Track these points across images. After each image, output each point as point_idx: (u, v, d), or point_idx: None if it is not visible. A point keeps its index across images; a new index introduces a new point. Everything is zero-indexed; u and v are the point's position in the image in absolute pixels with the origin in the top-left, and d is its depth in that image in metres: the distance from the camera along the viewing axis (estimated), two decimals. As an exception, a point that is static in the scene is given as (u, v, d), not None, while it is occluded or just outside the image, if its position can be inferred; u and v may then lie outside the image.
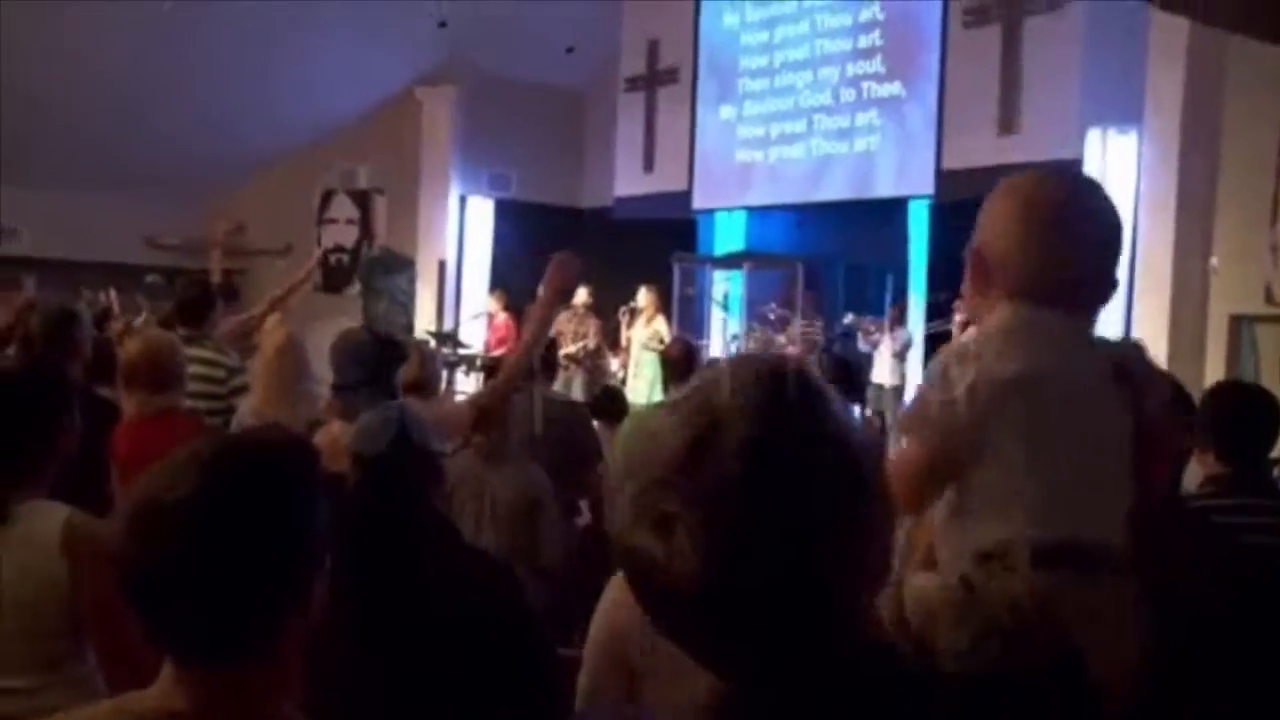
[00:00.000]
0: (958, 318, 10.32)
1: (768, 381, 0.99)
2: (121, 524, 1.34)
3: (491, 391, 3.21)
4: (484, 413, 3.26)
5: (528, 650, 2.41)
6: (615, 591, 2.39)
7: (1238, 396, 3.03)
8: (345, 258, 14.96)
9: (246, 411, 4.59)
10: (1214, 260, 8.67)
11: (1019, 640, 1.64)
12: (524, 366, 3.33)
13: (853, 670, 0.99)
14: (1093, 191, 1.94)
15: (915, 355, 11.08)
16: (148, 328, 7.13)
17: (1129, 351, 1.90)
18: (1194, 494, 2.93)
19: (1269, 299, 8.34)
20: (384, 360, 3.59)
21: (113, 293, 11.00)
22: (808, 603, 0.96)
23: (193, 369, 4.55)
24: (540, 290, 3.36)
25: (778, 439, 0.96)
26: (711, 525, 0.94)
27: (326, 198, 15.06)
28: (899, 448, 1.89)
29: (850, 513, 0.98)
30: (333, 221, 15.07)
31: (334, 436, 3.22)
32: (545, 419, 4.89)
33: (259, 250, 14.54)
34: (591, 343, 11.67)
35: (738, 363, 1.01)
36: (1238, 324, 8.55)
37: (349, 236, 15.05)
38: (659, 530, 0.95)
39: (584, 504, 5.36)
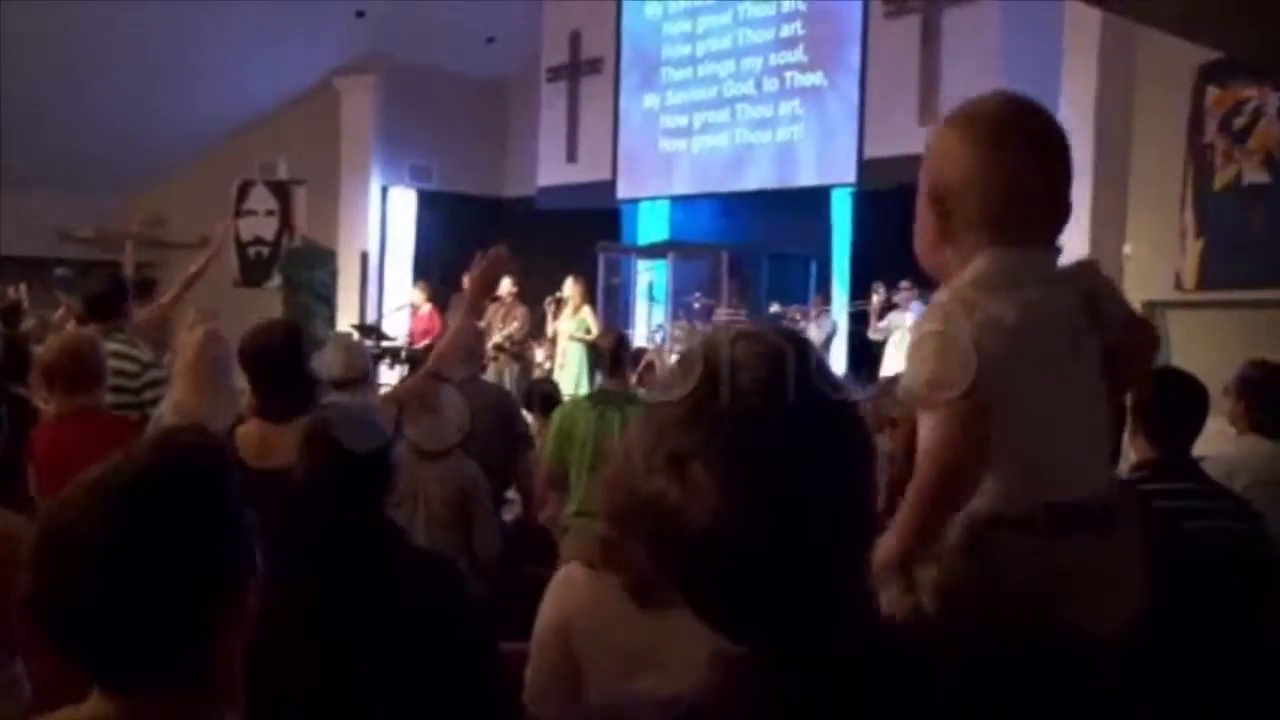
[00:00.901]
0: (875, 298, 10.52)
1: (771, 336, 1.02)
2: (26, 556, 1.27)
3: (437, 360, 3.11)
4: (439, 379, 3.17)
5: (477, 648, 2.39)
6: (561, 584, 2.38)
7: (1170, 383, 3.10)
8: (265, 250, 14.69)
9: (167, 410, 4.48)
10: (1127, 247, 8.87)
11: (1032, 613, 1.62)
12: (466, 342, 3.23)
13: (866, 637, 1.00)
14: (1033, 107, 1.90)
15: (840, 342, 11.21)
16: (64, 323, 6.94)
17: (1085, 269, 1.89)
18: (1126, 478, 3.00)
19: (1179, 285, 8.56)
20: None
21: (23, 287, 10.69)
22: (821, 543, 0.96)
23: (105, 364, 4.42)
24: (468, 280, 3.30)
25: (787, 379, 0.98)
26: (727, 456, 0.95)
27: (244, 189, 14.76)
28: (926, 432, 1.74)
29: (855, 455, 1.00)
30: (251, 213, 14.78)
31: (262, 434, 3.16)
32: (477, 408, 4.85)
33: (175, 243, 14.22)
34: (517, 332, 11.60)
35: (732, 326, 1.04)
36: (1150, 310, 8.75)
37: (269, 229, 14.78)
38: (674, 470, 0.95)
39: (514, 496, 5.32)
